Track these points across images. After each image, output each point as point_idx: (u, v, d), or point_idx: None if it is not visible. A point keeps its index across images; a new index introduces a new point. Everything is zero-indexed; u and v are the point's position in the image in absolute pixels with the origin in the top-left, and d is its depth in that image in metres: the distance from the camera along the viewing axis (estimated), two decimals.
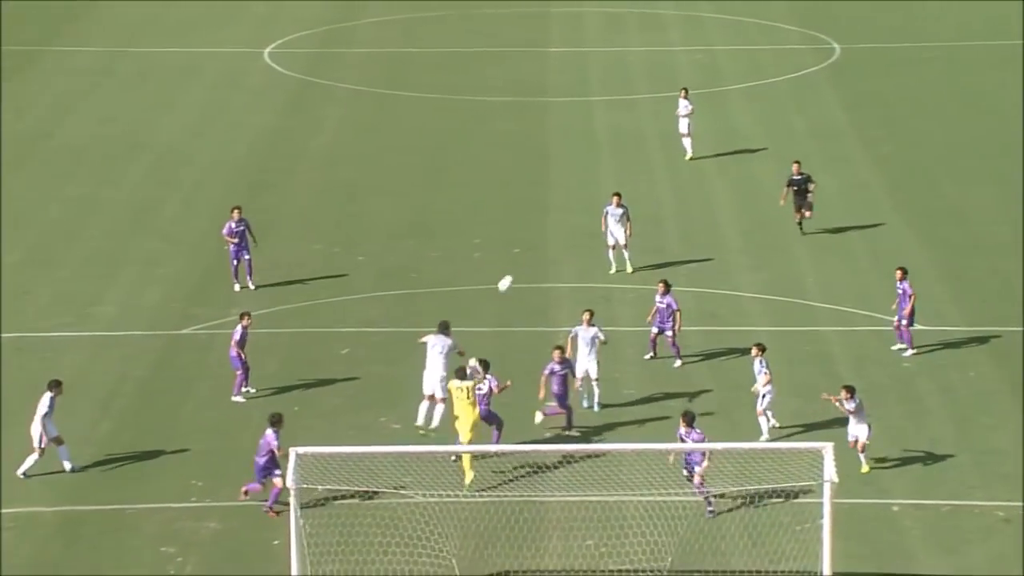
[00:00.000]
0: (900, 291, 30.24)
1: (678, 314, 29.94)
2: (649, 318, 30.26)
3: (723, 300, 33.42)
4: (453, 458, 25.54)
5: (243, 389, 28.75)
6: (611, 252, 34.64)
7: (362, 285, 34.54)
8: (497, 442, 26.19)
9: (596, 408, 28.01)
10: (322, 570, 22.79)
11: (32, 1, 59.26)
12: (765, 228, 37.80)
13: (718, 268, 35.18)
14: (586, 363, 27.95)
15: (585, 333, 28.05)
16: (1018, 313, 31.06)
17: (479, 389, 26.22)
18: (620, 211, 34.54)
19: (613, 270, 34.51)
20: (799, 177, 36.31)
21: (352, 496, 24.35)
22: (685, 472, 24.41)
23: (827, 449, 22.64)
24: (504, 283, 27.65)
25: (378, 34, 56.96)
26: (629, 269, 34.42)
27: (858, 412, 25.78)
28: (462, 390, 25.92)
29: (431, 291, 34.18)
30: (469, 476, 25.32)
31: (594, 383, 27.97)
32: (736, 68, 51.86)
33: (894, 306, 30.57)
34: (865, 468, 25.73)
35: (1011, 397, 28.51)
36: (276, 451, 24.61)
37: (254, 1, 60.01)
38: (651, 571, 23.00)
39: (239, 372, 28.61)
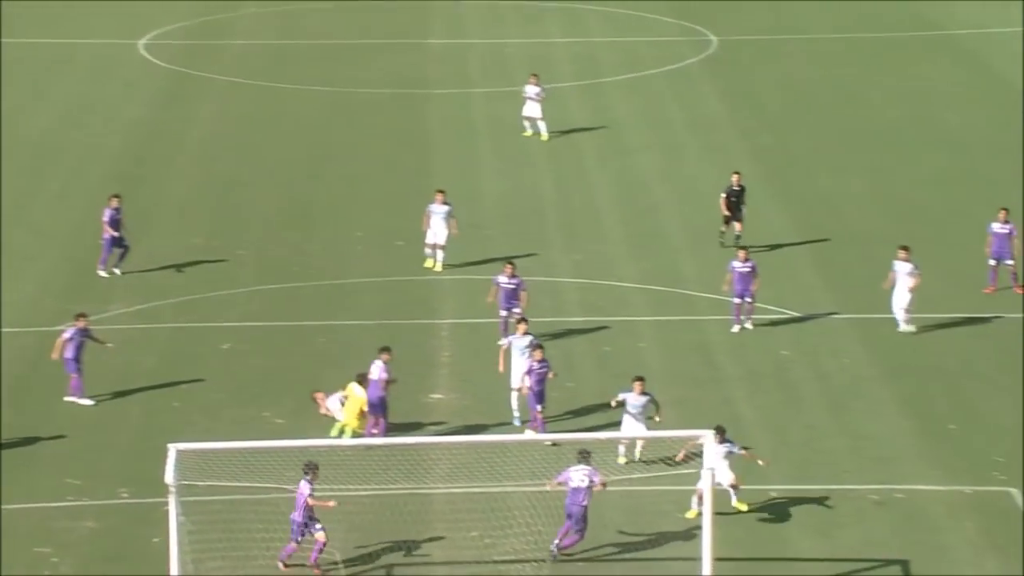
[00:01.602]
0: (747, 269, 30.72)
1: (524, 294, 30.01)
2: (490, 298, 30.29)
3: (606, 291, 33.66)
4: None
5: (74, 395, 27.79)
6: (429, 250, 34.06)
7: (243, 279, 34.18)
8: (384, 433, 26.15)
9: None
10: (204, 567, 22.50)
11: None
12: (645, 219, 38.15)
13: (600, 259, 35.42)
14: (523, 373, 26.75)
15: (520, 342, 27.21)
16: (888, 300, 31.74)
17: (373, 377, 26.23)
18: (444, 208, 33.95)
19: (431, 265, 34.14)
20: (737, 188, 34.97)
21: (234, 492, 24.06)
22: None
23: (707, 437, 22.91)
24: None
25: (256, 26, 56.37)
26: (439, 268, 34.05)
27: (728, 455, 23.96)
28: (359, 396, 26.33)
29: (313, 284, 33.94)
30: (338, 429, 26.02)
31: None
32: (614, 60, 52.27)
33: (726, 287, 31.08)
34: (744, 505, 24.23)
35: (882, 383, 29.14)
36: (308, 500, 22.53)
37: None
38: (536, 561, 23.08)
39: (73, 375, 27.75)
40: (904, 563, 23.30)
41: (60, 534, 23.93)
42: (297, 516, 22.72)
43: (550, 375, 26.71)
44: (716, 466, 23.13)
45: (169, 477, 21.98)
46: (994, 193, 39.16)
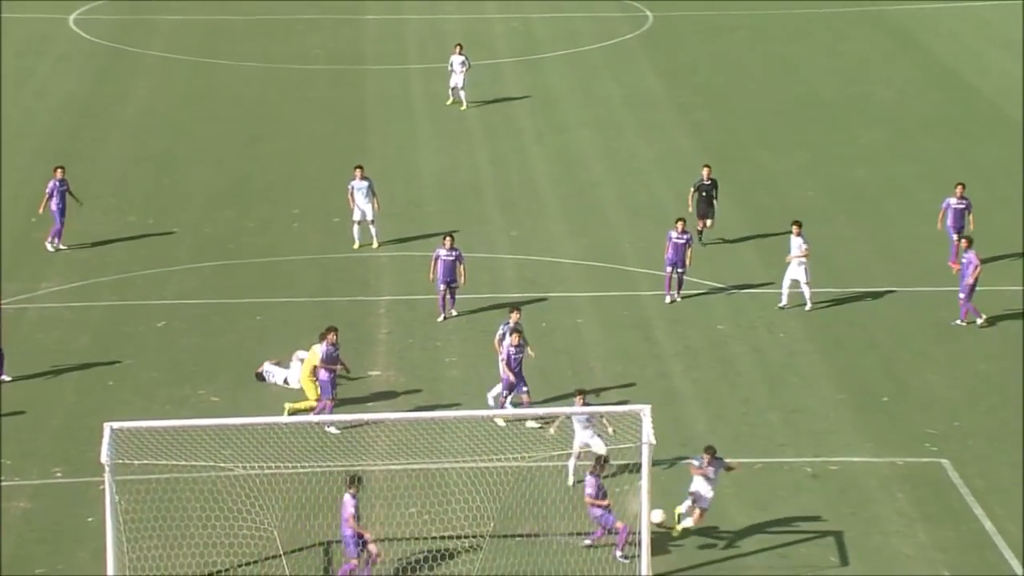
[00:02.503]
0: (683, 241, 30.95)
1: (463, 267, 29.95)
2: (432, 275, 30.25)
3: (544, 267, 33.72)
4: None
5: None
6: (356, 227, 33.77)
7: (178, 256, 33.93)
8: (329, 411, 26.11)
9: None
10: (139, 545, 22.38)
11: None
12: (583, 195, 38.24)
13: (538, 235, 35.47)
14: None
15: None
16: (824, 276, 32.04)
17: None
18: (365, 184, 33.60)
19: (357, 245, 33.87)
20: (708, 183, 33.71)
21: (170, 470, 23.95)
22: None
23: (645, 412, 23.03)
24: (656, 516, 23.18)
25: (188, 2, 55.78)
26: (375, 244, 33.83)
27: (714, 479, 23.28)
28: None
29: (249, 262, 33.75)
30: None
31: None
32: (552, 36, 52.25)
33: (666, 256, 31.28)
34: (679, 528, 23.35)
35: (817, 357, 29.43)
36: (348, 520, 21.76)
37: None
38: (473, 537, 23.15)
39: None
40: (838, 534, 23.59)
41: None
42: (346, 530, 21.97)
43: (528, 351, 26.44)
44: (700, 487, 23.12)
45: (104, 456, 21.81)
46: (929, 168, 39.63)
